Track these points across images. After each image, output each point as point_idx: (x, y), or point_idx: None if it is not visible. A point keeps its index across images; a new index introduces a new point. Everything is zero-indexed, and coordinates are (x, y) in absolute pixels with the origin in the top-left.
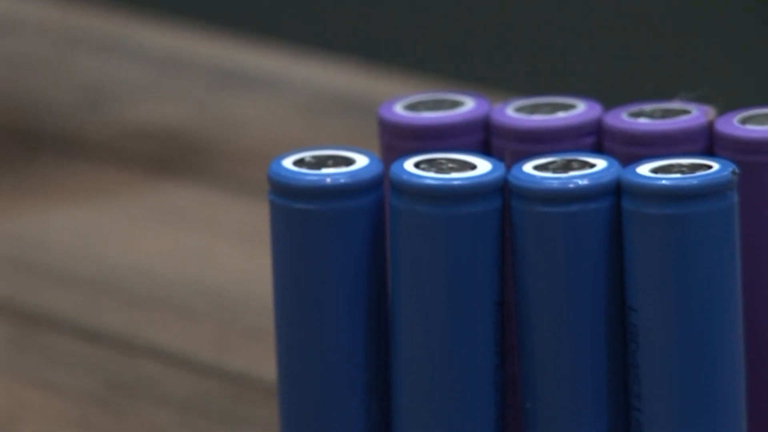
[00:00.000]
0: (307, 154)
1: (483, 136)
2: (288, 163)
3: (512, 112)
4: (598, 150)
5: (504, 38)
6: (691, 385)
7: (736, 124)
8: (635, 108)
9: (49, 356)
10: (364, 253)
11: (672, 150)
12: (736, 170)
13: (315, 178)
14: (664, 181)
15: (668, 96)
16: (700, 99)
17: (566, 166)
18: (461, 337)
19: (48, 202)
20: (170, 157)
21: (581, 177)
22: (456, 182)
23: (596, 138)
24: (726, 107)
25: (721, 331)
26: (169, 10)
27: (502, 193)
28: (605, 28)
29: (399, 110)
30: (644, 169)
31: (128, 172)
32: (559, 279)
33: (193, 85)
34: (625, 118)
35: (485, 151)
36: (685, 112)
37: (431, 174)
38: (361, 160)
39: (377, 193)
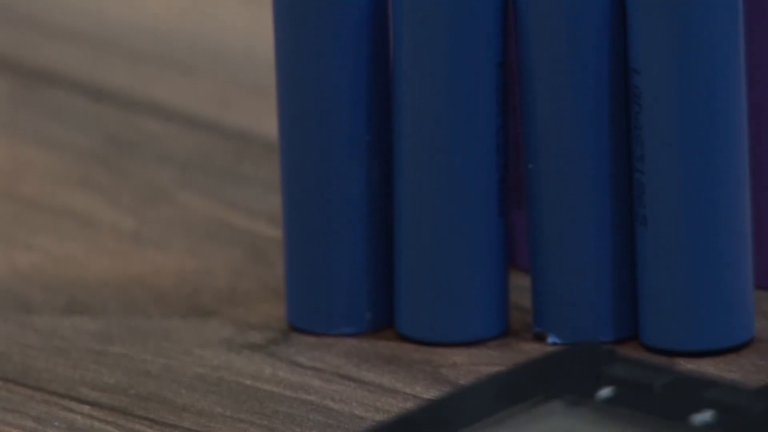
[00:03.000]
0: None
1: None
2: None
3: None
4: None
5: None
6: (693, 145)
7: None
8: None
9: (50, 113)
10: (365, 16)
11: None
12: None
13: None
14: None
15: None
16: None
17: None
18: (463, 99)
19: None
20: None
21: None
22: None
23: None
24: None
25: (724, 91)
26: None
27: None
28: None
29: None
30: None
31: None
32: (562, 40)
33: None
34: None
35: None
36: None
37: None
38: None
39: None
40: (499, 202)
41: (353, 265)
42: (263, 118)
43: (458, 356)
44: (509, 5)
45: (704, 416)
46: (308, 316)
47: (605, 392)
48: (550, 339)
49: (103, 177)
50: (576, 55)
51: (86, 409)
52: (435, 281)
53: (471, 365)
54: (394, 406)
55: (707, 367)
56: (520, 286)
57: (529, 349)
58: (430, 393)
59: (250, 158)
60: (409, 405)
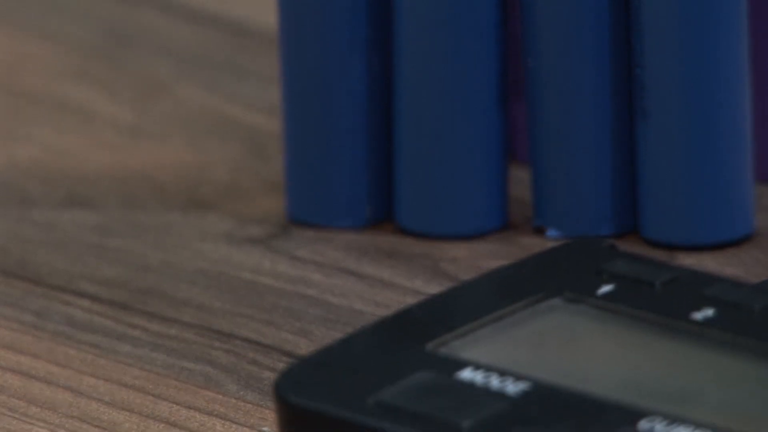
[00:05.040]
0: None
1: None
2: None
3: None
4: None
5: None
6: (693, 39)
7: None
8: None
9: (49, 6)
10: None
11: None
12: None
13: None
14: None
15: None
16: None
17: None
18: None
19: None
20: None
21: None
22: None
23: None
24: None
25: None
26: None
27: None
28: None
29: None
30: None
31: None
32: None
33: None
34: None
35: None
36: None
37: None
38: None
39: None
40: (499, 96)
41: (353, 159)
42: (263, 10)
43: (458, 250)
44: None
45: (705, 313)
46: (308, 209)
47: (606, 289)
48: (550, 232)
49: (102, 70)
50: None
51: (85, 303)
52: (435, 174)
53: (471, 259)
54: (394, 300)
55: (707, 262)
56: (521, 179)
57: (529, 243)
58: (430, 287)
59: (249, 51)
60: (409, 299)
